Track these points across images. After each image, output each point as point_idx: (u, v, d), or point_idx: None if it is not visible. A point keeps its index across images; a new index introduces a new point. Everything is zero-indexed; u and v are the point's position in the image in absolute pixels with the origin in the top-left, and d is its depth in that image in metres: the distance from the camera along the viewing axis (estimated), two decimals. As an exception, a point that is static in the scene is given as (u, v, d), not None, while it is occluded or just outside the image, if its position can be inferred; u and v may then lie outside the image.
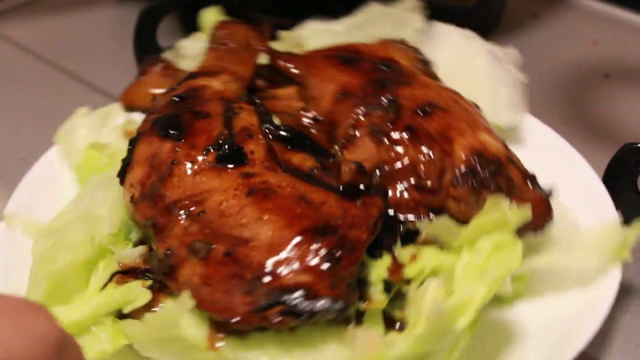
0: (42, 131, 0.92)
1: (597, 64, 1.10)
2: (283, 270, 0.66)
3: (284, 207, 0.69)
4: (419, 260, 0.73)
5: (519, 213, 0.71)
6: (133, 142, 0.77)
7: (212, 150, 0.74)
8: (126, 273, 0.75)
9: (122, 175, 0.77)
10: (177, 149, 0.74)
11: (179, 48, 1.00)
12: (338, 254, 0.67)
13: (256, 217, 0.69)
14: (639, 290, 0.78)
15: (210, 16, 1.01)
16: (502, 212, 0.71)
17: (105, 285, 0.73)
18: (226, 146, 0.74)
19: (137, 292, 0.72)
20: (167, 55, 0.97)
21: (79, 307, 0.70)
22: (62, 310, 0.70)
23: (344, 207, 0.71)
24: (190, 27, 0.96)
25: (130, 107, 0.90)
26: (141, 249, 0.75)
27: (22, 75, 1.13)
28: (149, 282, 0.73)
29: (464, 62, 0.94)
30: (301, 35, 0.98)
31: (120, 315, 0.72)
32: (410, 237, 0.76)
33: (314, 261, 0.67)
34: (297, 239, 0.67)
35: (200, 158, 0.74)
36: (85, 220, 0.75)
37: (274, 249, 0.67)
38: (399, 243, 0.75)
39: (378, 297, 0.71)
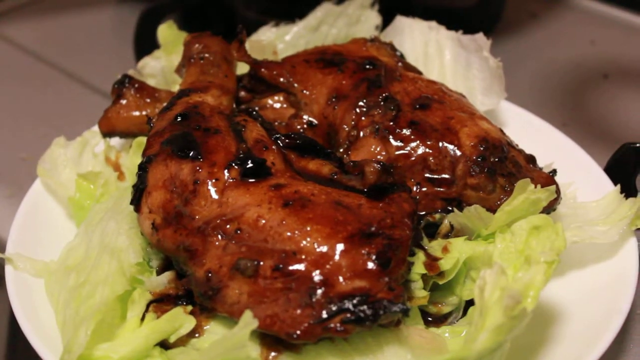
0: (42, 131, 0.92)
1: (595, 64, 1.12)
2: (338, 278, 0.65)
3: (325, 215, 0.68)
4: (452, 252, 0.72)
5: (546, 192, 0.72)
6: (144, 167, 0.74)
7: (234, 166, 0.72)
8: (160, 301, 0.72)
9: (137, 202, 0.73)
10: (197, 168, 0.72)
11: (142, 67, 0.96)
12: (388, 255, 0.66)
13: (299, 228, 0.67)
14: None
15: (167, 31, 0.98)
16: (531, 194, 0.71)
17: (144, 315, 0.70)
18: (248, 160, 0.72)
19: (182, 318, 0.69)
20: (133, 73, 0.92)
21: (127, 341, 0.67)
22: (110, 346, 0.66)
23: (377, 207, 0.70)
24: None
25: (109, 133, 0.86)
26: (168, 275, 0.73)
27: (23, 76, 1.12)
28: (190, 308, 0.70)
29: (433, 53, 0.94)
30: (271, 41, 0.96)
31: (165, 346, 0.69)
32: (431, 230, 0.76)
33: (368, 265, 0.65)
34: (346, 245, 0.66)
35: (224, 175, 0.72)
36: (110, 252, 0.71)
37: (324, 258, 0.66)
38: (425, 238, 0.74)
39: (419, 293, 0.71)
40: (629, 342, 0.75)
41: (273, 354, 0.67)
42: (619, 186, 0.80)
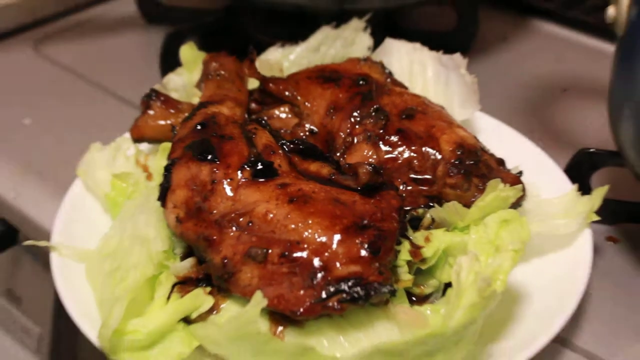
0: (81, 138, 0.91)
1: (556, 80, 1.12)
2: (335, 264, 0.66)
3: (324, 210, 0.69)
4: (432, 242, 0.73)
5: (513, 190, 0.73)
6: (169, 168, 0.75)
7: (246, 168, 0.72)
8: (183, 283, 0.72)
9: (163, 199, 0.74)
10: (215, 169, 0.73)
11: (167, 82, 0.96)
12: (378, 244, 0.67)
13: (302, 221, 0.68)
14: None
15: (188, 52, 0.98)
16: (501, 192, 0.72)
17: (169, 295, 0.70)
18: (258, 163, 0.73)
19: (202, 298, 0.70)
20: (159, 88, 0.93)
21: (154, 317, 0.68)
22: (140, 322, 0.67)
23: (369, 203, 0.71)
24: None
25: (139, 139, 0.86)
26: (190, 260, 0.73)
27: (64, 91, 1.13)
28: (209, 289, 0.70)
29: (417, 71, 0.95)
30: (278, 60, 0.96)
31: (187, 321, 0.69)
32: (415, 223, 0.76)
33: (361, 253, 0.66)
34: (342, 236, 0.67)
35: (237, 175, 0.73)
36: (140, 241, 0.72)
37: (324, 247, 0.66)
38: (410, 229, 0.74)
39: (405, 276, 0.71)
40: (584, 320, 0.76)
41: (280, 328, 0.67)
42: (576, 185, 0.81)
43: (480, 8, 1.18)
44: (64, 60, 1.21)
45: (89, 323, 0.69)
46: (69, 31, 1.28)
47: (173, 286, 0.71)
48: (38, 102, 1.12)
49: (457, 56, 0.94)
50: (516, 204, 0.76)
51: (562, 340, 0.74)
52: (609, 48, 0.81)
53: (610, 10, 0.76)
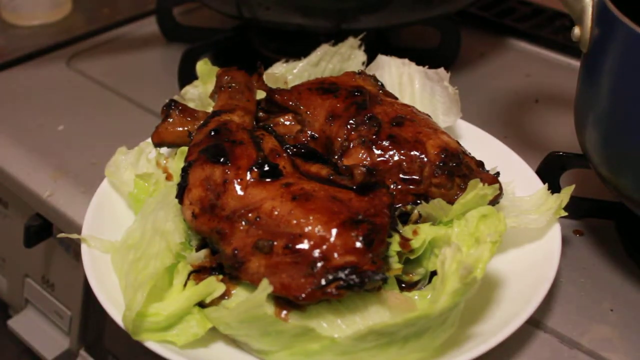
0: (109, 143, 0.92)
1: (529, 92, 1.12)
2: (333, 254, 0.65)
3: (323, 206, 0.68)
4: (420, 234, 0.72)
5: (491, 189, 0.72)
6: (186, 170, 0.74)
7: (254, 169, 0.72)
8: (198, 272, 0.71)
9: (181, 196, 0.73)
10: (226, 171, 0.72)
11: (184, 93, 0.96)
12: (372, 236, 0.66)
13: (303, 216, 0.68)
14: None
15: (203, 66, 0.98)
16: (480, 190, 0.71)
17: (186, 282, 0.70)
18: (265, 165, 0.72)
19: (215, 285, 0.70)
20: (177, 98, 0.92)
21: (172, 302, 0.67)
22: (160, 306, 0.67)
23: (363, 200, 0.71)
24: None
25: (159, 144, 0.85)
26: (205, 251, 0.73)
27: (93, 101, 1.13)
28: (221, 277, 0.70)
29: (406, 83, 0.94)
30: (282, 73, 0.96)
31: (202, 305, 0.69)
32: (404, 218, 0.76)
33: (356, 244, 0.66)
34: (339, 230, 0.67)
35: (246, 176, 0.72)
36: (160, 234, 0.71)
37: (323, 239, 0.66)
38: (399, 223, 0.74)
39: (395, 265, 0.71)
40: (554, 303, 0.76)
41: (284, 311, 0.67)
42: (547, 185, 0.80)
43: (462, 28, 1.17)
44: (94, 74, 1.21)
45: (115, 307, 0.68)
46: (98, 48, 1.28)
47: (189, 274, 0.71)
48: (70, 111, 1.12)
49: (441, 70, 0.94)
50: (494, 201, 0.75)
51: (535, 322, 0.74)
52: (575, 63, 0.81)
53: (576, 30, 0.77)
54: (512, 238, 0.77)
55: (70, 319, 1.02)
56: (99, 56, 1.27)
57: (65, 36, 1.32)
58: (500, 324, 0.67)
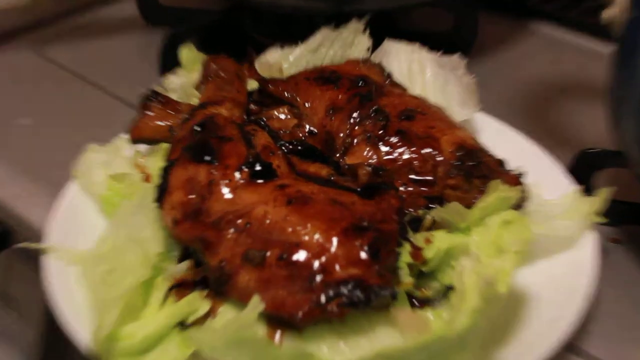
0: (78, 138, 0.88)
1: (554, 81, 1.10)
2: (335, 266, 0.63)
3: (323, 211, 0.66)
4: (434, 243, 0.71)
5: (515, 191, 0.71)
6: (167, 169, 0.73)
7: (245, 169, 0.70)
8: (180, 286, 0.70)
9: (160, 200, 0.71)
10: (212, 171, 0.70)
11: (166, 83, 0.94)
12: (378, 246, 0.65)
13: (300, 222, 0.65)
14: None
15: (187, 53, 0.96)
16: (502, 193, 0.70)
17: (165, 299, 0.68)
18: (257, 164, 0.70)
19: (198, 302, 0.67)
20: (158, 89, 0.90)
21: (149, 322, 0.65)
22: (135, 326, 0.64)
23: (369, 204, 0.69)
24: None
25: (137, 140, 0.84)
26: (187, 263, 0.71)
27: (63, 92, 1.11)
28: (206, 293, 0.68)
29: (416, 72, 0.92)
30: (277, 61, 0.94)
31: (183, 325, 0.67)
32: (415, 224, 0.74)
33: (360, 255, 0.64)
34: (341, 238, 0.64)
35: (235, 177, 0.70)
36: (136, 243, 0.69)
37: (323, 249, 0.64)
38: (410, 231, 0.72)
39: (406, 279, 0.69)
40: (590, 323, 0.73)
41: (278, 333, 0.65)
42: (579, 186, 0.78)
43: (479, 9, 1.15)
44: (64, 61, 1.19)
45: (82, 328, 0.66)
46: (69, 32, 1.26)
47: (169, 289, 0.69)
48: (37, 103, 1.10)
49: (456, 57, 0.92)
50: (518, 205, 0.73)
51: (567, 345, 0.71)
52: (606, 49, 0.79)
53: (608, 11, 0.75)
54: (541, 247, 0.74)
55: (31, 341, 1.00)
56: (71, 41, 1.25)
57: (33, 19, 1.30)
58: (528, 348, 0.65)
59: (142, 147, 0.87)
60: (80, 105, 1.10)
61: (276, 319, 0.64)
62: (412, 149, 0.77)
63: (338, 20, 1.00)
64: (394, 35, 0.97)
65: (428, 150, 0.77)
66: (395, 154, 0.77)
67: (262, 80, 0.86)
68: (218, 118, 0.78)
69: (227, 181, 0.70)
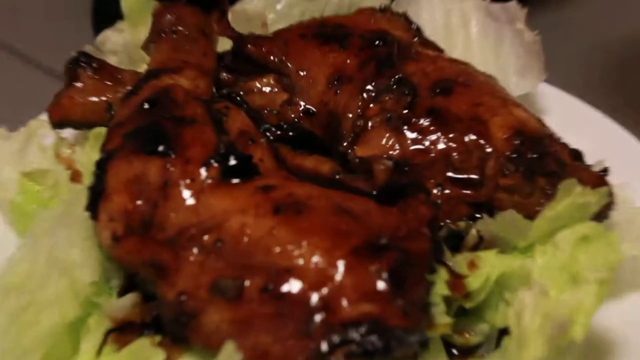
0: None
1: None
2: (341, 302, 0.64)
3: (324, 224, 0.67)
4: (481, 268, 0.71)
5: (596, 195, 0.71)
6: (103, 164, 0.73)
7: (214, 164, 0.71)
8: (122, 330, 0.70)
9: (94, 207, 0.72)
10: (168, 166, 0.71)
11: (102, 42, 0.95)
12: (402, 272, 0.65)
13: (293, 239, 0.66)
14: None
15: (133, 0, 0.96)
16: (579, 197, 0.70)
17: (101, 347, 0.69)
18: (231, 156, 0.71)
19: (148, 352, 0.67)
20: (90, 50, 0.91)
21: (80, 382, 0.65)
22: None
23: (389, 214, 0.70)
24: None
25: (60, 123, 0.85)
26: (132, 297, 0.71)
27: None
28: (159, 338, 0.69)
29: (456, 26, 0.93)
30: (260, 10, 0.95)
31: (128, 384, 0.67)
32: (455, 242, 0.75)
33: (377, 285, 0.64)
34: (351, 261, 0.65)
35: (200, 175, 0.71)
36: (60, 269, 0.70)
37: (324, 277, 0.64)
38: (448, 251, 0.72)
39: (441, 319, 0.69)
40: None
41: (261, 396, 0.65)
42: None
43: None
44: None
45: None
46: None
47: (107, 334, 0.69)
48: None
49: (514, 5, 0.94)
50: (601, 215, 0.74)
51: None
52: None
53: None
54: (632, 274, 0.76)
55: None
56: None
57: None
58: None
59: (68, 133, 0.88)
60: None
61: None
62: (450, 136, 0.78)
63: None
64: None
65: (473, 137, 0.78)
66: (427, 143, 0.78)
67: (238, 38, 0.88)
68: (175, 91, 0.78)
69: (188, 181, 0.70)
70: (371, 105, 0.80)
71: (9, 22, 1.12)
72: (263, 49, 0.86)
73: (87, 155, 0.81)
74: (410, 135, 0.78)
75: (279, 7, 0.99)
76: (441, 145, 0.77)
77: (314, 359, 0.62)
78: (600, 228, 0.69)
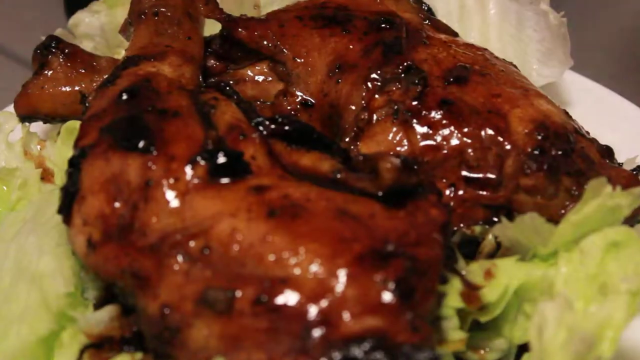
0: None
1: None
2: (342, 315, 0.64)
3: (324, 229, 0.68)
4: (498, 278, 0.72)
5: (629, 196, 0.71)
6: (77, 162, 0.73)
7: (200, 161, 0.71)
8: (100, 346, 0.71)
9: (67, 210, 0.73)
10: (149, 164, 0.72)
11: (74, 25, 0.96)
12: (411, 282, 0.66)
13: (289, 246, 0.67)
14: None
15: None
16: (608, 199, 0.71)
17: (76, 366, 0.69)
18: (219, 153, 0.71)
19: (127, 372, 0.68)
20: (60, 34, 0.92)
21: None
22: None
23: (396, 218, 0.70)
24: None
25: (29, 115, 0.85)
26: (110, 310, 0.72)
27: None
28: (139, 355, 0.69)
29: (472, 7, 0.94)
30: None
31: (105, 407, 0.69)
32: (469, 248, 0.76)
33: (383, 297, 0.65)
34: (354, 270, 0.66)
35: (186, 173, 0.71)
36: (30, 279, 0.70)
37: (324, 288, 0.65)
38: (462, 258, 0.73)
39: (455, 334, 0.70)
40: None
41: (253, 418, 0.66)
42: None
43: None
44: None
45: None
46: None
47: (82, 350, 0.70)
48: None
49: None
50: (633, 218, 0.76)
51: None
52: None
53: None
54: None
55: None
56: None
57: None
58: None
59: (38, 127, 0.89)
60: None
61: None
62: (465, 130, 0.79)
63: None
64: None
65: (490, 131, 0.78)
66: (439, 138, 0.79)
67: (227, 21, 0.88)
68: (157, 81, 0.79)
69: (172, 180, 0.71)
70: (376, 96, 0.81)
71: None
72: (256, 32, 0.86)
73: (59, 152, 0.82)
74: (420, 129, 0.79)
75: (273, -15, 0.99)
76: (454, 141, 0.78)
77: (311, 379, 0.63)
78: (632, 233, 0.70)
